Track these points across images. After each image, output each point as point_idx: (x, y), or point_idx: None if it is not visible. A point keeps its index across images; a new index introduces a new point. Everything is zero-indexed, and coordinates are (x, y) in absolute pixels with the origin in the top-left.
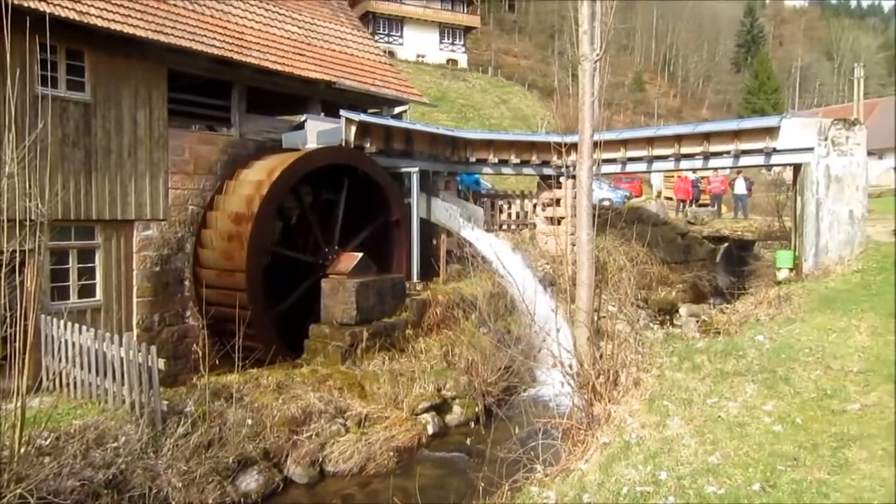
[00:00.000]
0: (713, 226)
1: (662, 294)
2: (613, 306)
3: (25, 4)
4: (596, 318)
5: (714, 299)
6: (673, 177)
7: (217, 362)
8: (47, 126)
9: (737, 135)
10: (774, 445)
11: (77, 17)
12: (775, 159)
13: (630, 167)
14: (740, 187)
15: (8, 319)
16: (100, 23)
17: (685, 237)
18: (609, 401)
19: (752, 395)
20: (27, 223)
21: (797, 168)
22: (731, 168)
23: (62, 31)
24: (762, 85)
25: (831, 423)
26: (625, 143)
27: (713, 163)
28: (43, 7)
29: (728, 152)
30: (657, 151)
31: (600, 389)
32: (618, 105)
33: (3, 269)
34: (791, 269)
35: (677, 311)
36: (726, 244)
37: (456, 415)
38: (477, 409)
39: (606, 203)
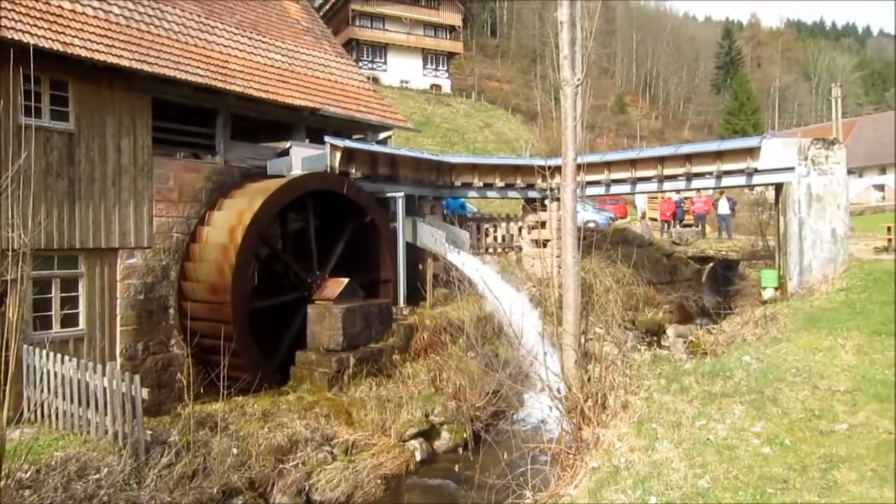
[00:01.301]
0: (698, 246)
1: (649, 315)
2: (601, 328)
3: (9, 36)
4: (583, 340)
5: (701, 319)
6: (657, 198)
7: (202, 391)
8: (31, 156)
9: (718, 155)
10: (764, 468)
11: (61, 48)
12: (757, 179)
13: (614, 189)
14: (724, 207)
15: None
16: (84, 53)
17: (671, 258)
18: (597, 424)
19: (740, 416)
20: (10, 253)
21: (779, 187)
22: (713, 188)
23: (46, 62)
24: (742, 106)
25: (820, 444)
26: (608, 165)
27: (696, 183)
28: (27, 38)
29: (710, 173)
30: (640, 173)
31: (588, 413)
32: (600, 127)
33: None
34: (776, 289)
35: (664, 331)
36: (711, 264)
37: (444, 441)
38: (465, 435)
39: (591, 225)
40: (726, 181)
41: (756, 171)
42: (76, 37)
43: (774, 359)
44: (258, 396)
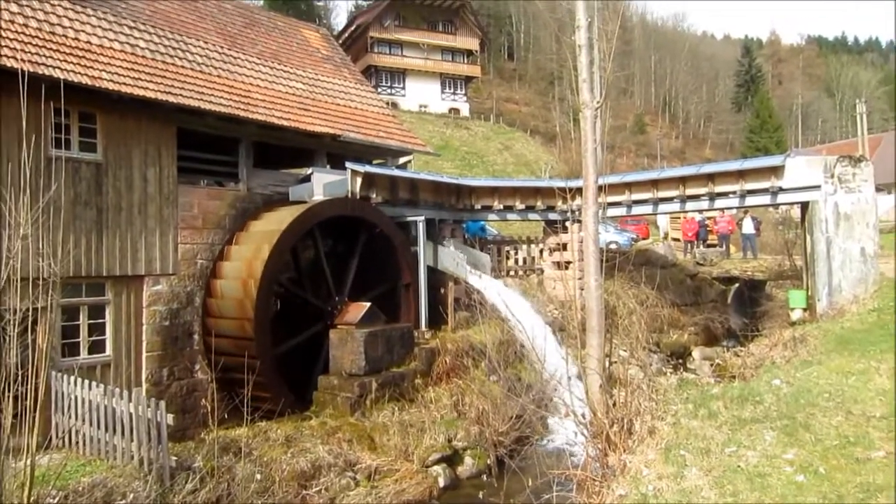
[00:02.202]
0: (722, 266)
1: (674, 337)
2: (625, 351)
3: (41, 72)
4: (607, 364)
5: (727, 341)
6: (679, 218)
7: (226, 416)
8: (60, 187)
9: (741, 174)
10: (798, 497)
11: (90, 82)
12: (782, 198)
13: (636, 210)
14: (748, 227)
15: (20, 377)
16: (111, 86)
17: (695, 278)
18: (624, 450)
19: (771, 443)
20: (40, 282)
21: (805, 206)
22: (737, 208)
23: (75, 95)
24: (764, 123)
25: (856, 472)
26: (629, 185)
27: (719, 203)
28: (57, 74)
29: (734, 192)
30: (662, 193)
31: (614, 439)
32: (620, 148)
33: (16, 328)
34: (805, 310)
35: (690, 354)
36: (737, 285)
37: (467, 466)
38: (489, 460)
39: (613, 246)
40: (750, 200)
41: (781, 189)
42: (104, 70)
43: (805, 383)
44: (281, 421)
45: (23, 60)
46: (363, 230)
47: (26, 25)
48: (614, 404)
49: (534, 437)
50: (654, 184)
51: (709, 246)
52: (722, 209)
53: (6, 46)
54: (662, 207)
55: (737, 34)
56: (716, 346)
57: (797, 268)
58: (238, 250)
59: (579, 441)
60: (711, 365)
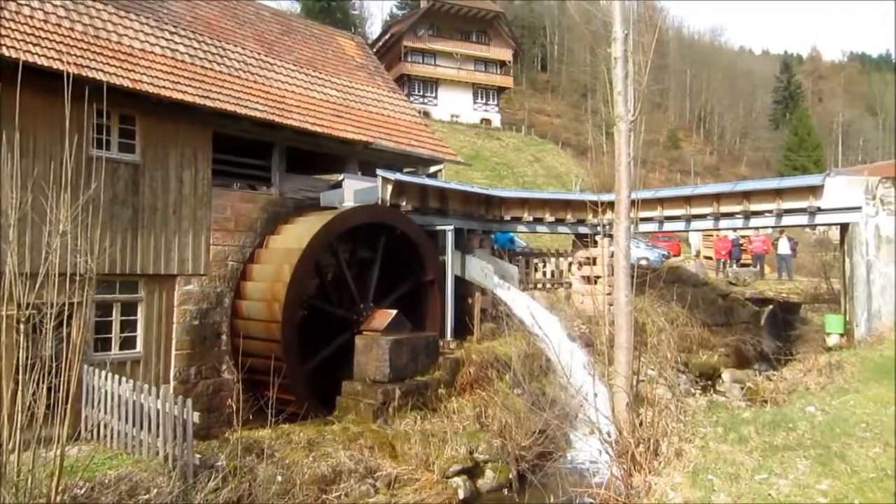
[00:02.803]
0: (756, 287)
1: (704, 358)
2: (653, 370)
3: (84, 74)
4: (635, 382)
5: (759, 364)
6: (712, 235)
7: (250, 417)
8: (99, 186)
9: (778, 193)
10: None
11: (131, 85)
12: (820, 219)
13: (668, 226)
14: (784, 247)
15: (53, 370)
16: (151, 89)
17: (726, 298)
18: (649, 472)
19: (804, 472)
20: (76, 277)
21: (844, 228)
22: (773, 227)
23: (116, 98)
24: (802, 141)
25: None
26: (662, 201)
27: (754, 222)
28: (100, 76)
29: (770, 211)
30: (695, 210)
31: (640, 459)
32: (653, 163)
33: (52, 322)
34: (842, 335)
35: (720, 376)
36: (771, 307)
37: (488, 479)
38: (510, 475)
39: (644, 262)
40: (787, 220)
41: (819, 210)
42: (144, 74)
43: (841, 411)
44: (304, 425)
45: (68, 63)
46: (383, 232)
47: (72, 29)
48: (641, 423)
49: (557, 453)
50: (688, 200)
51: (742, 265)
52: (757, 228)
53: (53, 49)
54: (695, 224)
55: (776, 50)
56: (747, 369)
57: (834, 291)
58: (268, 253)
59: (603, 459)
60: (742, 388)
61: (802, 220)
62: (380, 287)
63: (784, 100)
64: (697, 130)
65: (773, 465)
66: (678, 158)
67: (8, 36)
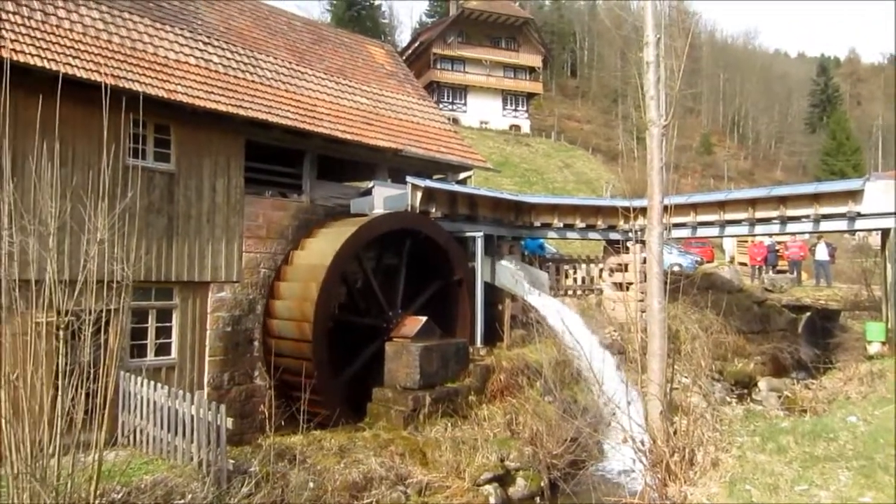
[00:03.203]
0: (793, 294)
1: (739, 366)
2: (687, 378)
3: (121, 85)
4: (668, 390)
5: (797, 373)
6: (747, 241)
7: (282, 423)
8: (135, 195)
9: (816, 198)
10: None
11: (166, 95)
12: (860, 224)
13: (701, 232)
14: (822, 253)
15: (91, 375)
16: (186, 99)
17: (762, 305)
18: (684, 482)
19: (846, 483)
20: (113, 284)
21: (885, 233)
22: (810, 233)
23: (152, 108)
24: (840, 146)
25: None
26: (695, 207)
27: (791, 227)
28: (136, 87)
29: (807, 216)
30: (730, 216)
31: (674, 468)
32: (685, 168)
33: (90, 328)
34: (883, 343)
35: (756, 384)
36: (808, 314)
37: (519, 487)
38: (542, 483)
39: (677, 268)
40: (825, 225)
41: (859, 215)
42: (179, 84)
43: (885, 421)
44: (335, 431)
45: (106, 74)
46: (413, 239)
47: (110, 41)
48: (675, 432)
49: (589, 461)
50: (721, 205)
51: (778, 272)
52: (794, 234)
53: (91, 61)
54: (729, 230)
55: (812, 52)
56: (784, 378)
57: (875, 298)
58: (299, 260)
59: (637, 469)
60: (779, 397)
61: (841, 225)
62: (410, 294)
63: (821, 103)
64: (731, 135)
65: (814, 476)
66: (711, 163)
67: (49, 49)
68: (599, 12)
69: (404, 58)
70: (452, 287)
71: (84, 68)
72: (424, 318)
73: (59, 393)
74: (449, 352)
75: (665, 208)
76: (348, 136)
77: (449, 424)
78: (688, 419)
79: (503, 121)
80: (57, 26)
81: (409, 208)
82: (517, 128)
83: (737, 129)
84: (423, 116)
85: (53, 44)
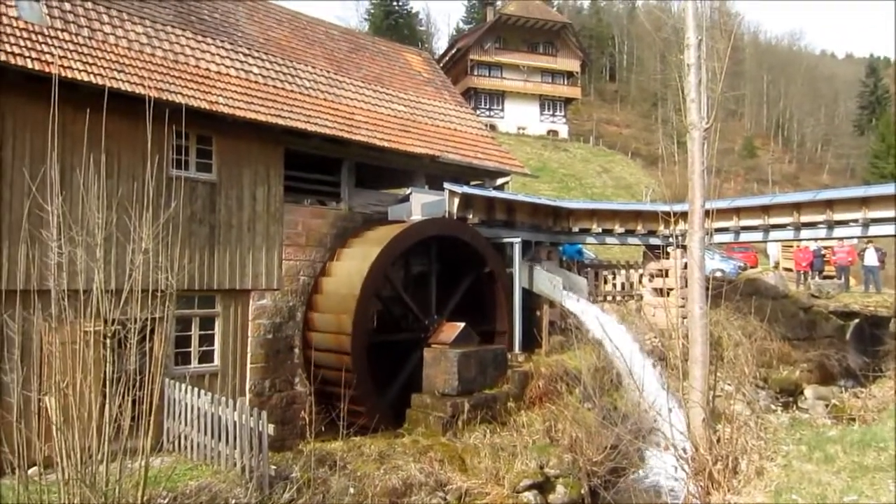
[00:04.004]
0: (840, 300)
1: (784, 373)
2: (730, 385)
3: (165, 98)
4: (711, 397)
5: (844, 381)
6: (792, 246)
7: (323, 429)
8: (179, 205)
9: (864, 202)
10: None
11: (208, 107)
12: None
13: (744, 236)
14: (871, 258)
15: (137, 383)
16: (226, 110)
17: (808, 312)
18: (728, 490)
19: None
20: (158, 293)
21: None
22: (859, 238)
23: (194, 119)
24: (890, 148)
25: None
26: (738, 211)
27: (838, 232)
28: (179, 99)
29: (855, 221)
30: (774, 220)
31: (718, 477)
32: (727, 172)
33: (136, 336)
34: None
35: (802, 392)
36: (857, 320)
37: (559, 495)
38: (582, 490)
39: (719, 274)
40: (874, 230)
41: None
42: (220, 95)
43: None
44: (375, 437)
45: (149, 87)
46: (471, 261)
47: (153, 55)
48: (718, 440)
49: (630, 469)
50: (765, 210)
51: (825, 277)
52: (841, 238)
53: (136, 75)
54: (774, 235)
55: (860, 53)
56: (831, 386)
57: None
58: (338, 268)
59: (679, 477)
60: (826, 405)
61: (891, 229)
62: (447, 300)
63: (870, 105)
64: (775, 138)
65: (863, 487)
66: (755, 167)
67: (95, 64)
68: (639, 15)
69: (441, 64)
70: (490, 292)
71: (129, 82)
72: (462, 325)
73: (107, 400)
74: (487, 358)
75: (707, 213)
76: (386, 144)
77: (487, 431)
78: (731, 427)
79: (541, 126)
80: (103, 41)
81: (447, 214)
82: (555, 133)
83: (781, 132)
84: (461, 122)
85: (100, 59)
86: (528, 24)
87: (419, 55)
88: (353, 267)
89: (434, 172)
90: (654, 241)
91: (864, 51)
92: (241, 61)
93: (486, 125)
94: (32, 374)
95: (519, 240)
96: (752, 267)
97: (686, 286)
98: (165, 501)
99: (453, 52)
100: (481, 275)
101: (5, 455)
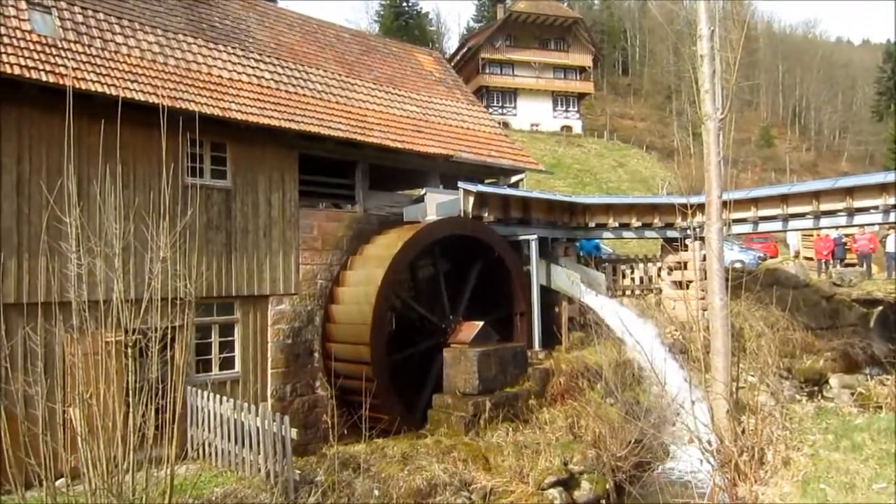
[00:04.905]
0: (863, 288)
1: (808, 363)
2: (753, 376)
3: (178, 106)
4: (735, 389)
5: (870, 369)
6: (812, 235)
7: (345, 432)
8: (195, 213)
9: (885, 188)
10: None
11: (221, 113)
12: None
13: (763, 227)
14: (893, 245)
15: (160, 391)
16: (240, 116)
17: (831, 300)
18: (755, 481)
19: None
20: (177, 301)
21: None
22: (880, 224)
23: (208, 126)
24: None
25: None
26: (756, 201)
27: (859, 219)
28: (192, 107)
29: (875, 208)
30: (793, 209)
31: (744, 468)
32: (744, 162)
33: (157, 345)
34: None
35: (827, 381)
36: (881, 308)
37: (584, 491)
38: (607, 486)
39: (738, 265)
40: None
41: None
42: (233, 102)
43: None
44: (397, 439)
45: (163, 96)
46: (480, 254)
47: (165, 64)
48: (743, 431)
49: (654, 463)
50: (784, 199)
51: (847, 265)
52: (862, 226)
53: (149, 84)
54: (793, 224)
55: (878, 38)
56: (857, 374)
57: None
58: (356, 271)
59: (704, 469)
60: (852, 394)
61: None
62: (464, 300)
63: (888, 90)
64: (792, 127)
65: (892, 474)
66: (772, 157)
67: (109, 75)
68: (651, 8)
69: (452, 64)
70: (510, 294)
71: (142, 91)
72: (481, 324)
73: (131, 410)
74: (507, 356)
75: (724, 203)
76: (399, 145)
77: (510, 429)
78: (756, 418)
79: (554, 122)
80: (115, 52)
81: (462, 214)
82: (569, 129)
83: (798, 120)
84: (473, 121)
85: (113, 69)
86: (538, 20)
87: (430, 55)
88: (370, 270)
89: (448, 172)
90: (671, 233)
91: (882, 36)
92: (252, 67)
93: (499, 123)
94: (56, 385)
95: (535, 237)
96: (771, 257)
97: (705, 278)
98: None
99: (464, 51)
100: (497, 268)
101: (33, 468)
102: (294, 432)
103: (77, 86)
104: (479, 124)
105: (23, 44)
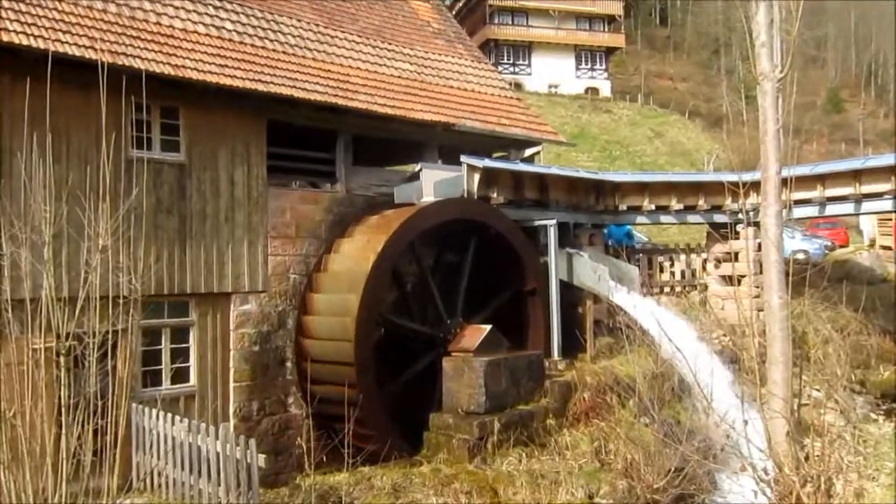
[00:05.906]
0: None
1: (886, 374)
2: (818, 390)
3: (121, 62)
4: (796, 406)
5: None
6: (890, 219)
7: (324, 458)
8: (142, 192)
9: None
10: None
11: (172, 72)
12: None
13: (830, 209)
14: None
15: (99, 409)
16: (196, 75)
17: None
18: None
19: None
20: (120, 300)
21: None
22: None
23: (157, 88)
24: None
25: None
26: (822, 179)
27: None
28: (138, 64)
29: None
30: (867, 188)
31: (807, 502)
32: (809, 131)
33: (95, 353)
34: None
35: None
36: None
37: None
38: None
39: (801, 256)
40: None
41: None
42: (188, 58)
43: None
44: (387, 467)
45: (101, 51)
46: (472, 233)
47: (104, 11)
48: (807, 458)
49: (699, 495)
50: (857, 175)
51: None
52: None
53: (85, 36)
54: (867, 206)
55: None
56: None
57: None
58: (336, 263)
59: (760, 502)
60: None
61: None
62: (470, 298)
63: None
64: (866, 88)
65: None
66: (842, 125)
67: (35, 24)
68: None
69: (454, 12)
70: (523, 292)
71: (76, 44)
72: (488, 328)
73: (64, 431)
74: (520, 367)
75: (784, 182)
76: (389, 111)
77: (524, 455)
78: (822, 441)
79: (577, 83)
80: None
81: (465, 194)
82: (595, 91)
83: (874, 80)
84: (479, 83)
85: (40, 17)
86: None
87: (427, 2)
88: (353, 263)
89: (449, 144)
90: (719, 218)
91: None
92: (211, 16)
93: (511, 84)
94: None
95: (554, 222)
96: (841, 246)
97: (761, 272)
98: None
99: None
100: (506, 260)
101: None
102: (262, 459)
103: None
104: (485, 86)
105: None
